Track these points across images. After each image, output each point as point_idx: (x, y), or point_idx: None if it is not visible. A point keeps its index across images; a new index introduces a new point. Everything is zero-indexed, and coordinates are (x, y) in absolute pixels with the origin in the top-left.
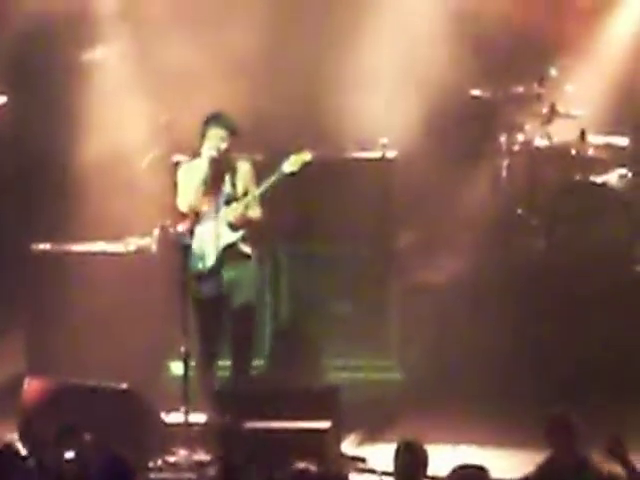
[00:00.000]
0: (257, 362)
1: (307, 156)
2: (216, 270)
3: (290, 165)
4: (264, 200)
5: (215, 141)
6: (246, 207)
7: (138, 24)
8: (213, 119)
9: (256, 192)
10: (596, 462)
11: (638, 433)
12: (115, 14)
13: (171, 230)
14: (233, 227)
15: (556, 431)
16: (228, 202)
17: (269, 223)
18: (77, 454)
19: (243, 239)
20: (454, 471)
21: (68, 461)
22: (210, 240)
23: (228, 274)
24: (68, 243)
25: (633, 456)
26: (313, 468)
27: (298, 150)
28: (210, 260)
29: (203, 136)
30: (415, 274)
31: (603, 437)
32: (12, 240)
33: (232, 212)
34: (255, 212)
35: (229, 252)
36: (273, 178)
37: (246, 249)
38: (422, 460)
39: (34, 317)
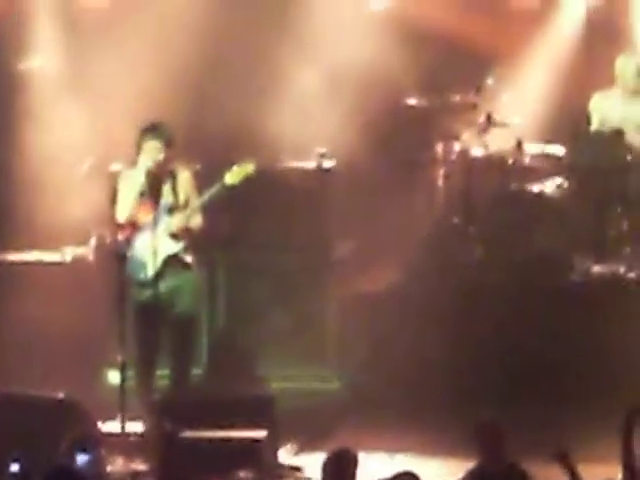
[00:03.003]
0: (194, 371)
1: (249, 168)
2: (157, 279)
3: (232, 177)
4: (202, 209)
5: (151, 152)
6: (188, 217)
7: (75, 35)
8: (149, 130)
9: (197, 202)
10: (524, 469)
11: (572, 440)
12: (52, 24)
13: (108, 239)
14: (175, 237)
15: (484, 438)
16: (170, 211)
17: (205, 232)
18: (21, 468)
19: (185, 248)
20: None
21: (14, 475)
22: (150, 250)
23: (169, 283)
24: (2, 252)
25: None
26: (250, 477)
27: (241, 162)
28: (151, 269)
29: (139, 147)
30: (352, 284)
31: (538, 444)
32: None
33: (175, 223)
34: (196, 221)
35: (170, 261)
36: (214, 189)
37: (187, 258)
38: (350, 470)
39: None
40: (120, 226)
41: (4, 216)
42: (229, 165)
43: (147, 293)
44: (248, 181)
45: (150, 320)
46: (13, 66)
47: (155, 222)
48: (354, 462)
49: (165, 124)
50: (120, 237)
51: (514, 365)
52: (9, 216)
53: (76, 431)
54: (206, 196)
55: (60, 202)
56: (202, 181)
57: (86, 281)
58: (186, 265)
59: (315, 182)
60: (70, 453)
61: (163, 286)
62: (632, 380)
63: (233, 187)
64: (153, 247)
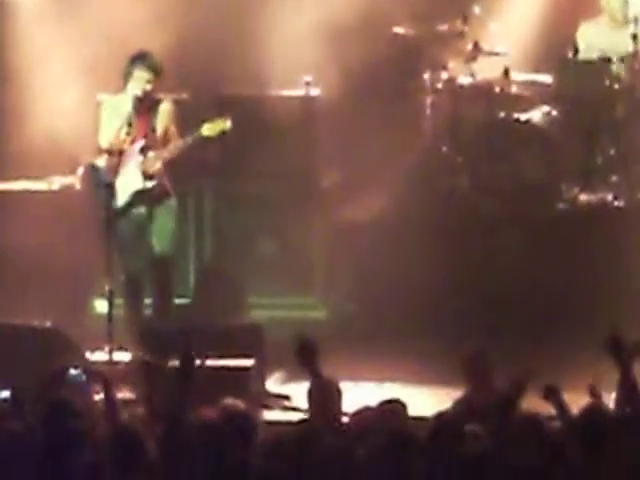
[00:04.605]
0: (181, 300)
1: (226, 125)
2: (133, 208)
3: (208, 130)
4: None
5: (140, 82)
6: (162, 157)
7: None
8: (138, 59)
9: (173, 149)
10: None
11: (559, 369)
12: None
13: (94, 168)
14: (148, 177)
15: (471, 369)
16: (145, 148)
17: (193, 160)
18: (13, 394)
19: (158, 185)
20: (375, 406)
21: (4, 400)
22: (130, 179)
23: (147, 212)
24: None
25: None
26: (241, 404)
27: (219, 116)
28: (127, 198)
29: (128, 75)
30: (339, 212)
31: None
32: None
33: (149, 163)
34: (171, 152)
35: (148, 191)
36: (190, 139)
37: (166, 187)
38: (335, 398)
39: None
40: (108, 153)
41: None
42: (216, 95)
43: (126, 222)
44: (236, 110)
45: (133, 249)
46: None
47: (137, 153)
48: (338, 392)
49: (153, 53)
50: (105, 165)
51: (501, 294)
52: None
53: (63, 360)
54: (182, 144)
55: (47, 131)
56: (189, 110)
57: (73, 210)
58: (165, 193)
59: (302, 110)
60: (58, 383)
61: (135, 216)
62: (619, 308)
63: (208, 140)
64: (132, 177)
